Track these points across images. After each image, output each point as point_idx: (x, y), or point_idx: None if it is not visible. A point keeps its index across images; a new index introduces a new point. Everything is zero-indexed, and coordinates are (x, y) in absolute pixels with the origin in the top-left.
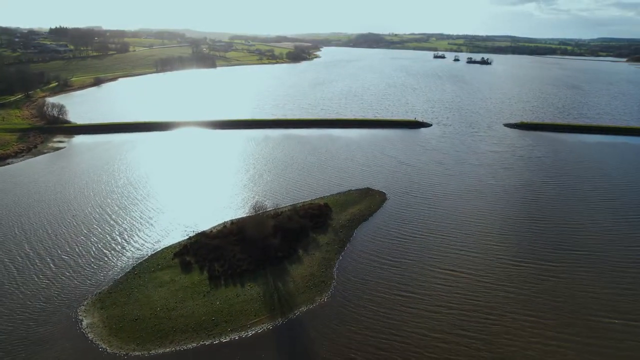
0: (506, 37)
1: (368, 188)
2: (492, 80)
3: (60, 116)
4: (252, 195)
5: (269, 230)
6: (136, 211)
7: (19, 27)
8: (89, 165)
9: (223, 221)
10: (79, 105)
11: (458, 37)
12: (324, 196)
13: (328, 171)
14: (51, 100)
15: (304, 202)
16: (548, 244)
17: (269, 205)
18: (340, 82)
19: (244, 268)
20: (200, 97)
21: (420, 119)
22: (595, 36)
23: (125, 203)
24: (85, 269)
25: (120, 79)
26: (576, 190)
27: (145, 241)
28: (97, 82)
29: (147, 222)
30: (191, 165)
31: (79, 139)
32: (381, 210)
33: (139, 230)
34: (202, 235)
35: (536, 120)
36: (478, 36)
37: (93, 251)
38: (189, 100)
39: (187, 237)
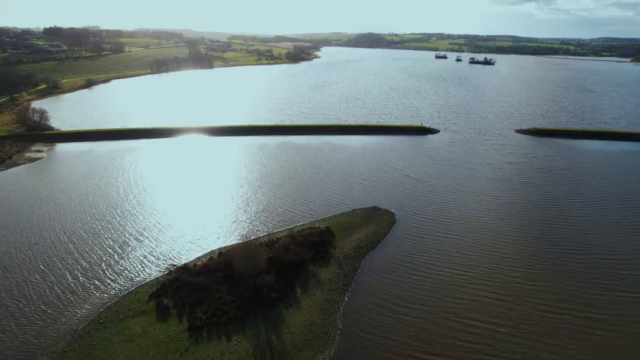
0: (507, 37)
1: (374, 207)
2: (498, 81)
3: (42, 122)
4: (244, 217)
5: (262, 265)
6: (109, 238)
7: (16, 27)
8: (64, 181)
9: (210, 250)
10: (67, 109)
11: (459, 36)
12: (325, 217)
13: (329, 187)
14: (38, 103)
15: (302, 225)
16: (590, 283)
17: (263, 229)
18: (340, 84)
19: (231, 315)
20: (194, 101)
21: (426, 125)
22: (595, 36)
23: (98, 228)
24: (37, 320)
25: (113, 81)
26: (610, 211)
27: (116, 279)
28: (89, 84)
29: (121, 253)
30: (178, 181)
31: (59, 148)
32: (390, 235)
33: (110, 263)
34: (184, 270)
35: (550, 126)
36: (479, 36)
37: (48, 294)
38: (182, 103)
39: (166, 272)
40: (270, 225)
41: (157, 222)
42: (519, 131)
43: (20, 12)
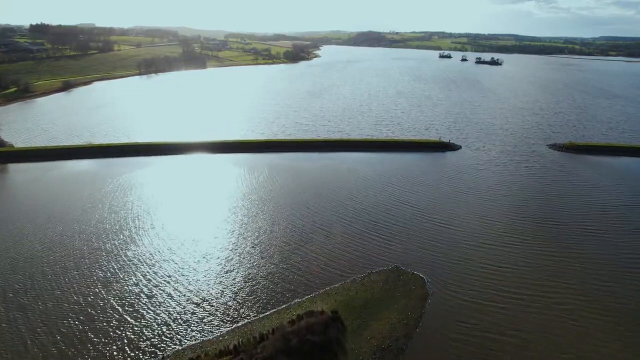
0: (509, 36)
1: (397, 268)
2: (511, 84)
3: None
4: (214, 294)
5: None
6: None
7: (8, 24)
8: None
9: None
10: (31, 119)
11: (460, 35)
12: (329, 289)
13: (333, 237)
14: (1, 110)
15: (299, 303)
16: None
17: (242, 314)
18: (342, 87)
19: None
20: (177, 108)
21: (445, 139)
22: (595, 35)
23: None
24: None
25: (96, 83)
26: None
27: None
28: (67, 87)
29: None
30: (133, 229)
31: (3, 172)
32: (425, 324)
33: None
34: None
35: (587, 140)
36: (480, 34)
37: None
38: (163, 111)
39: None
40: (252, 307)
41: (88, 307)
42: (552, 147)
43: (18, 10)
